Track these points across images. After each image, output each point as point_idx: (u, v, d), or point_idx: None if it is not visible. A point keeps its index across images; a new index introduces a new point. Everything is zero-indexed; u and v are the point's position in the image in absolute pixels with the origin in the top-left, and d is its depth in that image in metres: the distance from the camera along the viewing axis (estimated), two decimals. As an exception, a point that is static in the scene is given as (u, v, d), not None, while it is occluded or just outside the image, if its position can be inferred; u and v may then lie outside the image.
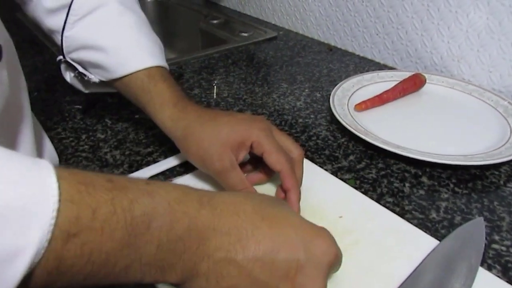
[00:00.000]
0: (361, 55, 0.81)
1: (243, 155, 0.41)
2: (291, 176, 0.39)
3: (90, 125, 0.57)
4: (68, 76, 0.54)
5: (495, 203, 0.44)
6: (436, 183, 0.47)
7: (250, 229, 0.28)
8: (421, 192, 0.45)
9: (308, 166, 0.47)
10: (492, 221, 0.41)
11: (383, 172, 0.48)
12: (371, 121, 0.56)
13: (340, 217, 0.40)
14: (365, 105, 0.58)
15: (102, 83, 0.50)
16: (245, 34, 0.88)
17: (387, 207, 0.43)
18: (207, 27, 0.95)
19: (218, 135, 0.40)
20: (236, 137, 0.40)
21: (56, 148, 0.52)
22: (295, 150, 0.41)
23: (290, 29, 0.93)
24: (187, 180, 0.46)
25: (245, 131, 0.40)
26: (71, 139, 0.54)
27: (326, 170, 0.48)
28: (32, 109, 0.63)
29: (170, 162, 0.49)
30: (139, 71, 0.46)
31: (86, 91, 0.55)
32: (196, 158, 0.43)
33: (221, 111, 0.44)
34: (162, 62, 0.49)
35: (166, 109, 0.45)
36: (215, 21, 0.96)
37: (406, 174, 0.48)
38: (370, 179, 0.47)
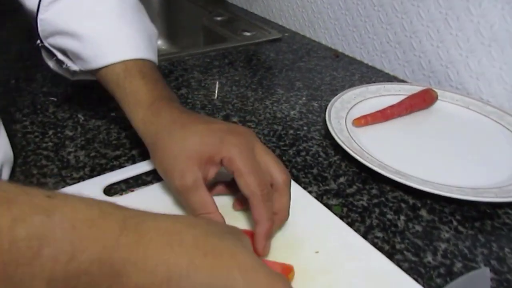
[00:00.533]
0: (370, 64, 0.74)
1: (214, 172, 0.35)
2: (261, 205, 0.32)
3: (61, 120, 0.52)
4: (51, 62, 0.50)
5: (506, 250, 0.37)
6: (436, 219, 0.40)
7: (185, 268, 0.22)
8: (418, 228, 0.39)
9: (289, 187, 0.41)
10: (500, 273, 0.34)
11: (376, 200, 0.42)
12: (370, 139, 0.50)
13: (317, 252, 0.34)
14: (365, 121, 0.52)
15: (83, 71, 0.45)
16: (248, 34, 0.82)
17: (375, 244, 0.36)
18: (210, 23, 0.90)
19: (184, 146, 0.35)
20: (204, 150, 0.34)
21: (17, 144, 0.47)
22: (278, 174, 0.34)
23: (296, 31, 0.87)
24: (152, 190, 0.40)
25: (215, 144, 0.34)
26: (36, 134, 0.49)
27: (310, 192, 0.42)
28: (4, 98, 0.57)
29: (137, 168, 0.43)
30: (115, 64, 0.41)
31: (73, 79, 0.50)
32: (160, 170, 0.37)
33: (200, 117, 0.38)
34: (146, 55, 0.43)
35: (139, 110, 0.40)
36: (218, 18, 0.91)
37: (403, 205, 0.41)
38: (359, 207, 0.41)
